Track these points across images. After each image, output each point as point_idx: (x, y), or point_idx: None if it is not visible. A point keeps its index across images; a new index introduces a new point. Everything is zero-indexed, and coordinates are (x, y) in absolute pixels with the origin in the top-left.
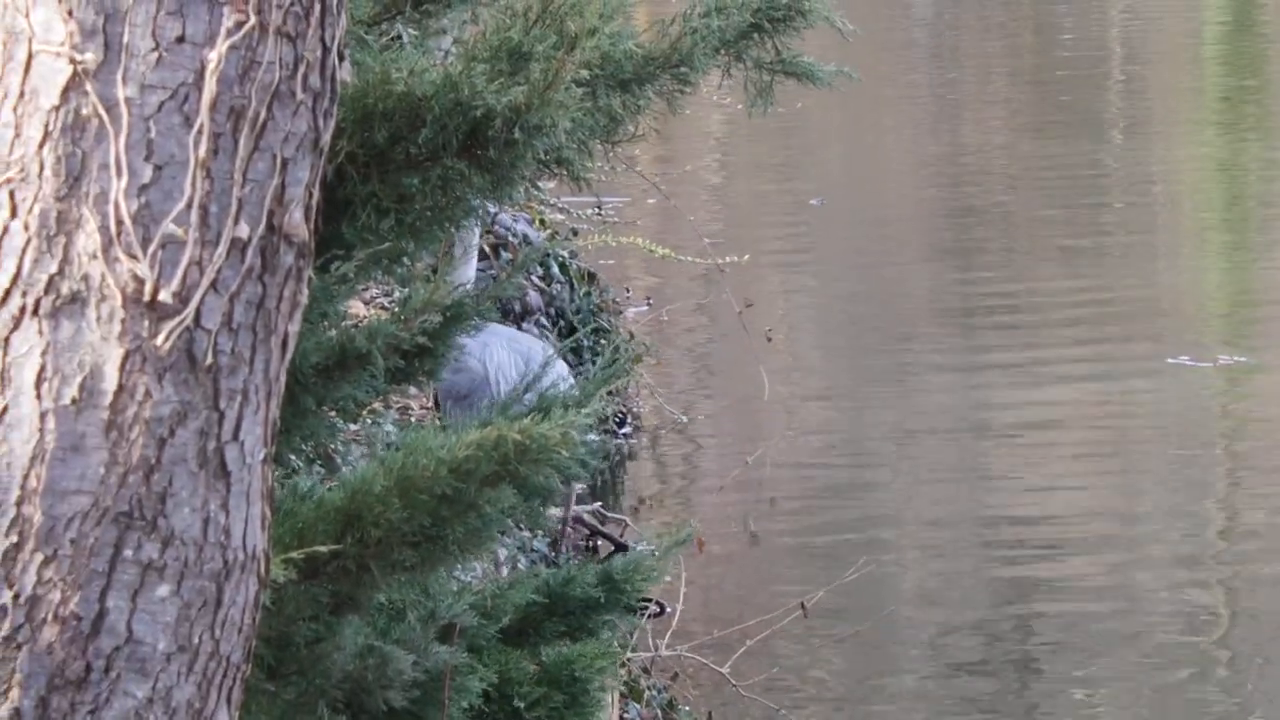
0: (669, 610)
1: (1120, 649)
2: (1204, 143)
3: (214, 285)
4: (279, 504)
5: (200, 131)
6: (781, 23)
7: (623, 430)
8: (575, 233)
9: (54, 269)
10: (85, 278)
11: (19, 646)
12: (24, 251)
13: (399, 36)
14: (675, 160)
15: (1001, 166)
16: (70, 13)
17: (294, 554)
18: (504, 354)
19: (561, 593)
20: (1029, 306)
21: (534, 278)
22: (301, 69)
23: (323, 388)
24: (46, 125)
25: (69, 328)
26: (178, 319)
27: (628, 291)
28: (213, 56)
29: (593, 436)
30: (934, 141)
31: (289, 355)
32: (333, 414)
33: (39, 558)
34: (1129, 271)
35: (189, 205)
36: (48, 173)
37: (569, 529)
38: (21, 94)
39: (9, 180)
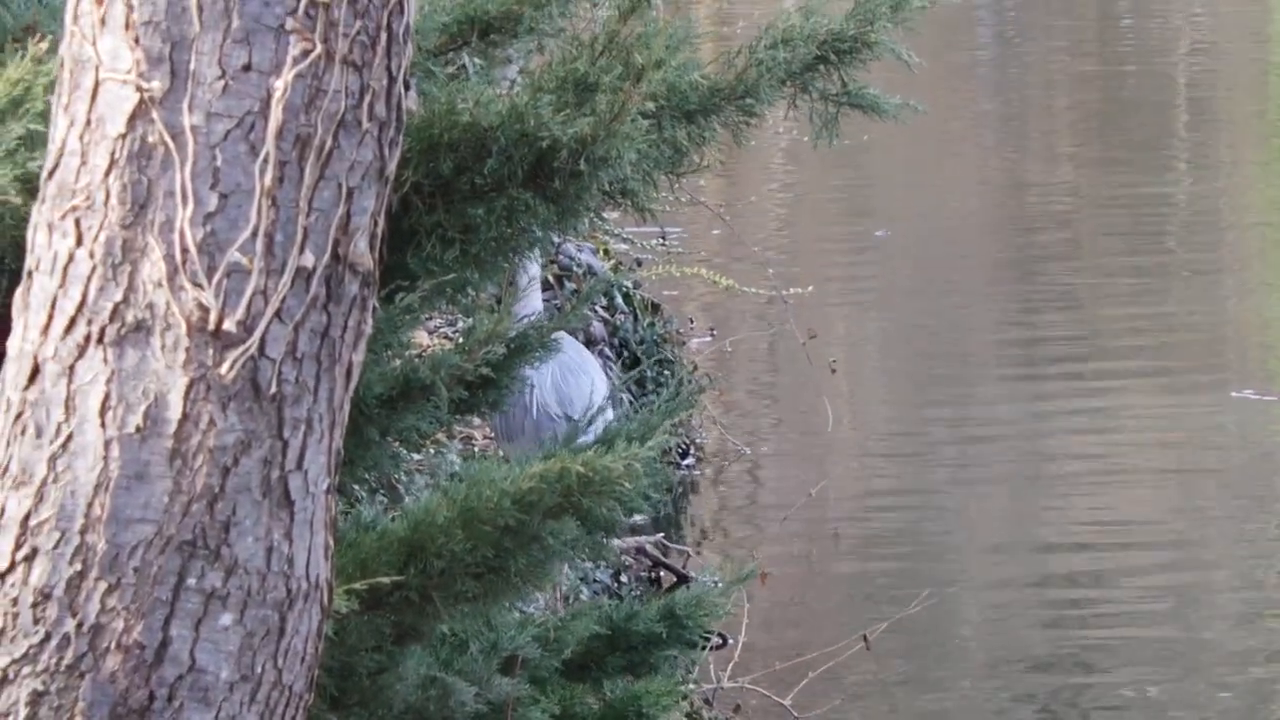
0: (731, 642)
1: (1184, 681)
2: (1271, 174)
3: (279, 314)
4: (342, 534)
5: (266, 160)
6: (847, 55)
7: (686, 461)
8: (639, 263)
9: (119, 297)
10: (150, 306)
11: (82, 675)
12: (89, 279)
13: (464, 67)
14: (740, 191)
15: (1066, 197)
16: (137, 40)
17: (357, 584)
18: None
19: (624, 627)
20: (1092, 338)
21: (598, 308)
22: (367, 98)
23: (386, 418)
24: (112, 153)
25: (134, 356)
26: (242, 348)
27: (691, 322)
28: (279, 85)
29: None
30: (999, 173)
31: (353, 385)
32: (396, 444)
33: (102, 586)
34: (1193, 304)
35: (254, 234)
36: (113, 200)
37: (633, 558)
38: (88, 122)
39: (75, 208)
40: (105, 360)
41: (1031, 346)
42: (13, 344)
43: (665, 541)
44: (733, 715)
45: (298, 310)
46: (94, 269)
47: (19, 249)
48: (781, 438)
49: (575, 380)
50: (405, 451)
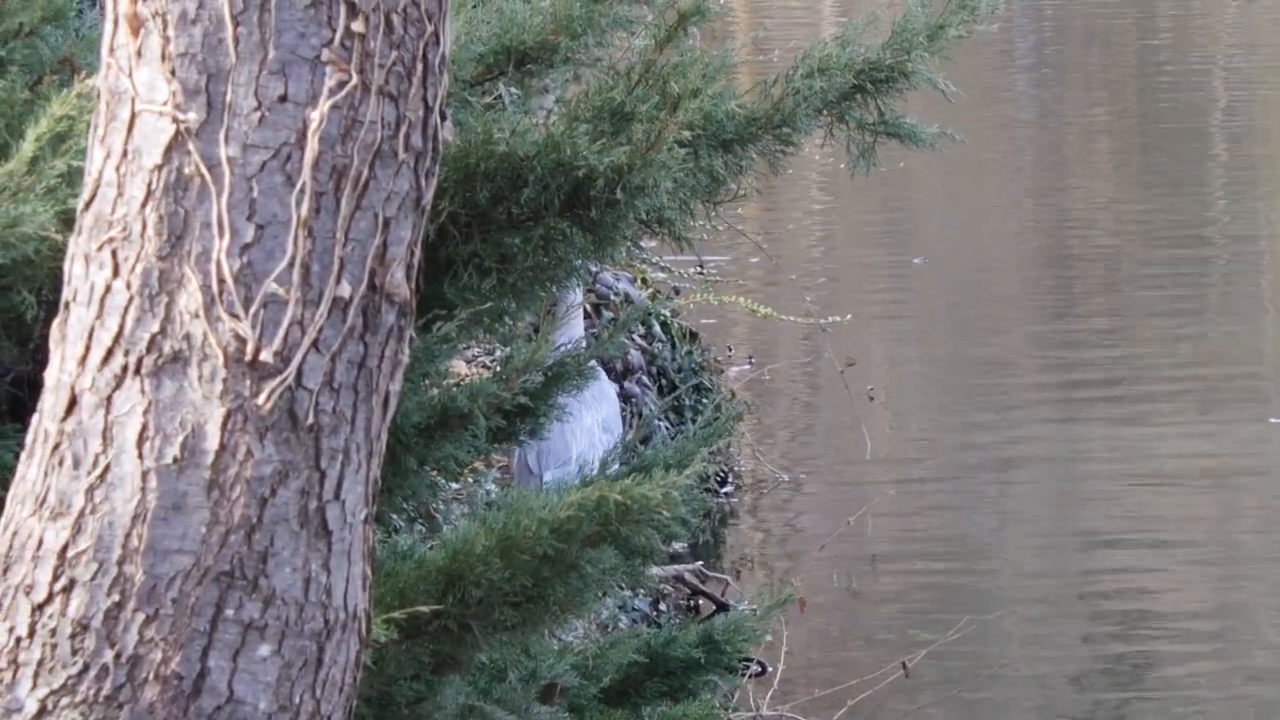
0: (770, 670)
1: (1230, 702)
2: None
3: (316, 345)
4: (380, 563)
5: (302, 191)
6: (884, 84)
7: (724, 489)
8: (677, 291)
9: (156, 328)
10: (187, 337)
11: (120, 706)
12: (126, 310)
13: (500, 97)
14: (778, 219)
15: (1104, 224)
16: (173, 72)
17: (395, 614)
18: None
19: (663, 653)
20: (1130, 364)
21: (636, 336)
22: (404, 128)
23: (424, 447)
24: (149, 184)
25: (171, 387)
26: (279, 378)
27: (729, 350)
28: (315, 116)
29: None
30: (1037, 200)
31: (390, 414)
32: (434, 473)
33: (140, 617)
34: (1232, 330)
35: (291, 264)
36: (150, 232)
37: (672, 587)
38: (124, 153)
39: (111, 239)
40: (142, 391)
41: (1070, 372)
42: (50, 375)
43: (704, 569)
44: None
45: (334, 340)
46: (131, 300)
47: (56, 281)
48: (820, 465)
49: (560, 429)
50: (443, 481)
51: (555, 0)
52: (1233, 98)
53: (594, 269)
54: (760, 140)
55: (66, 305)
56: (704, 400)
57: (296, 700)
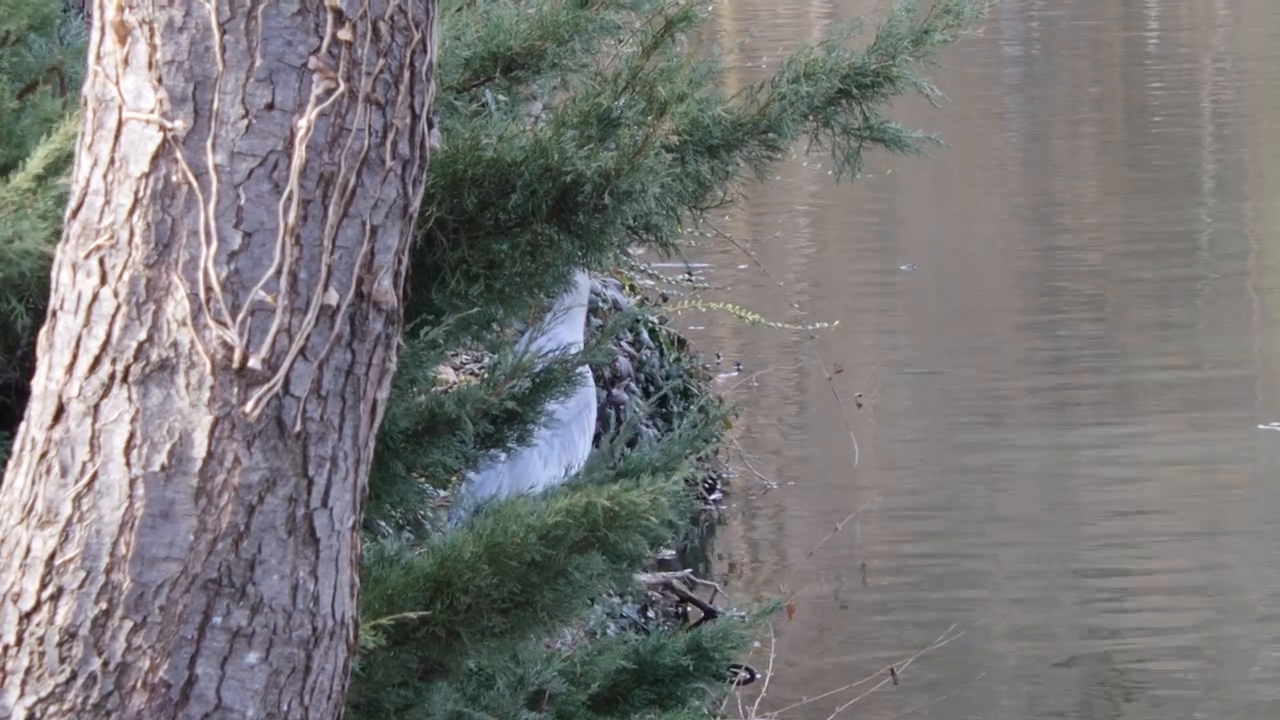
0: (758, 677)
1: (1218, 714)
2: None
3: (303, 352)
4: (368, 570)
5: (289, 198)
6: (869, 89)
7: (712, 496)
8: (665, 298)
9: (143, 336)
10: (174, 345)
11: (108, 714)
12: (113, 318)
13: (487, 104)
14: (766, 226)
15: (1092, 230)
16: (160, 80)
17: (383, 620)
18: None
19: (651, 660)
20: (1119, 369)
21: (624, 343)
22: (391, 136)
23: (412, 453)
24: (136, 192)
25: (158, 395)
26: (267, 386)
27: (718, 357)
28: (302, 124)
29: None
30: (1025, 206)
31: (378, 422)
32: (422, 480)
33: (128, 625)
34: (1220, 336)
35: (278, 272)
36: (137, 240)
37: (660, 593)
38: (112, 161)
39: (99, 247)
40: (130, 399)
41: (1059, 378)
42: (38, 383)
43: (692, 577)
44: None
45: (322, 348)
46: (118, 308)
47: (44, 289)
48: (808, 472)
49: (531, 456)
50: (431, 487)
51: (542, 6)
52: (1222, 98)
53: (581, 275)
54: (746, 145)
55: (54, 313)
56: (692, 407)
57: (284, 707)
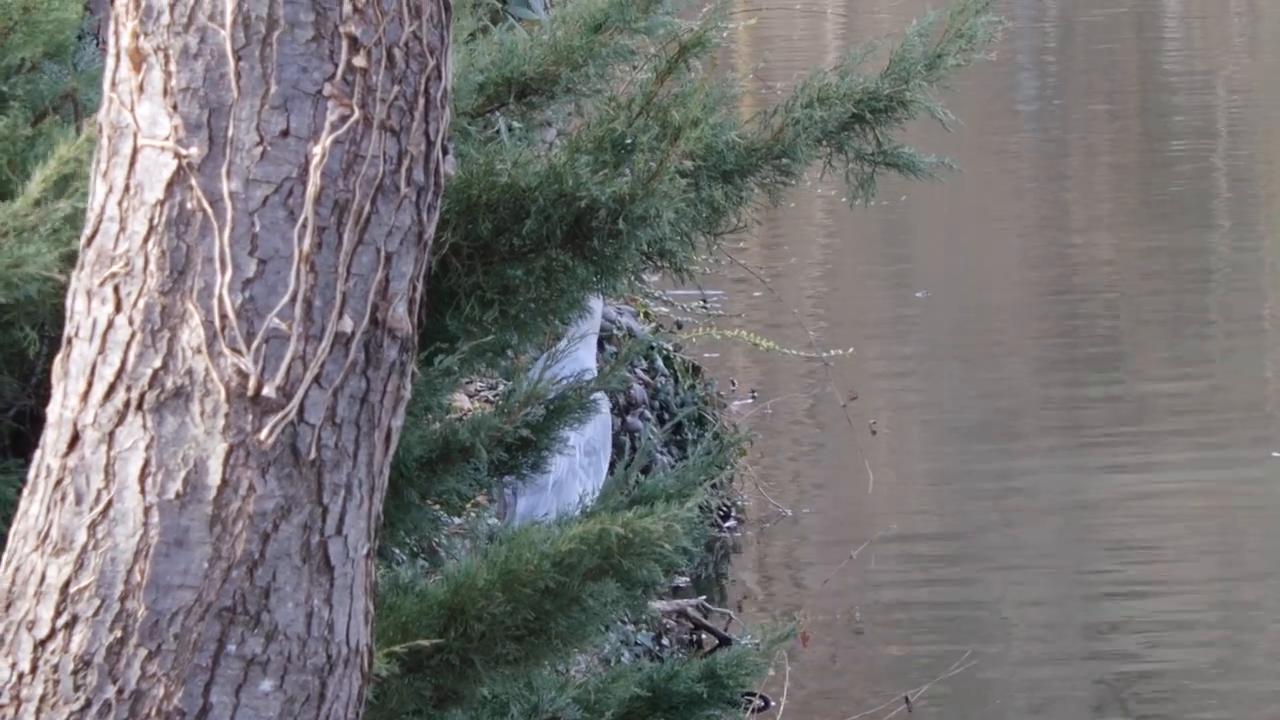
0: (773, 704)
1: None
2: None
3: (318, 380)
4: (381, 597)
5: (304, 226)
6: (883, 114)
7: (727, 523)
8: (680, 326)
9: (158, 363)
10: (189, 372)
11: None
12: (128, 346)
13: (500, 130)
14: (780, 253)
15: (1106, 256)
16: (175, 107)
17: (397, 648)
18: None
19: (665, 687)
20: (1133, 397)
21: (638, 371)
22: (405, 163)
23: (426, 481)
24: (151, 219)
25: (173, 422)
26: (281, 414)
27: (733, 384)
28: (317, 151)
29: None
30: (1039, 233)
31: (392, 449)
32: (436, 507)
33: (143, 653)
34: (1234, 365)
35: (293, 299)
36: (152, 267)
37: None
38: (126, 188)
39: (114, 274)
40: (145, 426)
41: (1073, 405)
42: (52, 410)
43: (706, 604)
44: None
45: (337, 376)
46: (133, 335)
47: (58, 316)
48: (823, 499)
49: None
50: (445, 515)
51: (556, 31)
52: (1236, 127)
53: (596, 302)
54: (760, 171)
55: (69, 341)
56: (706, 434)
57: None
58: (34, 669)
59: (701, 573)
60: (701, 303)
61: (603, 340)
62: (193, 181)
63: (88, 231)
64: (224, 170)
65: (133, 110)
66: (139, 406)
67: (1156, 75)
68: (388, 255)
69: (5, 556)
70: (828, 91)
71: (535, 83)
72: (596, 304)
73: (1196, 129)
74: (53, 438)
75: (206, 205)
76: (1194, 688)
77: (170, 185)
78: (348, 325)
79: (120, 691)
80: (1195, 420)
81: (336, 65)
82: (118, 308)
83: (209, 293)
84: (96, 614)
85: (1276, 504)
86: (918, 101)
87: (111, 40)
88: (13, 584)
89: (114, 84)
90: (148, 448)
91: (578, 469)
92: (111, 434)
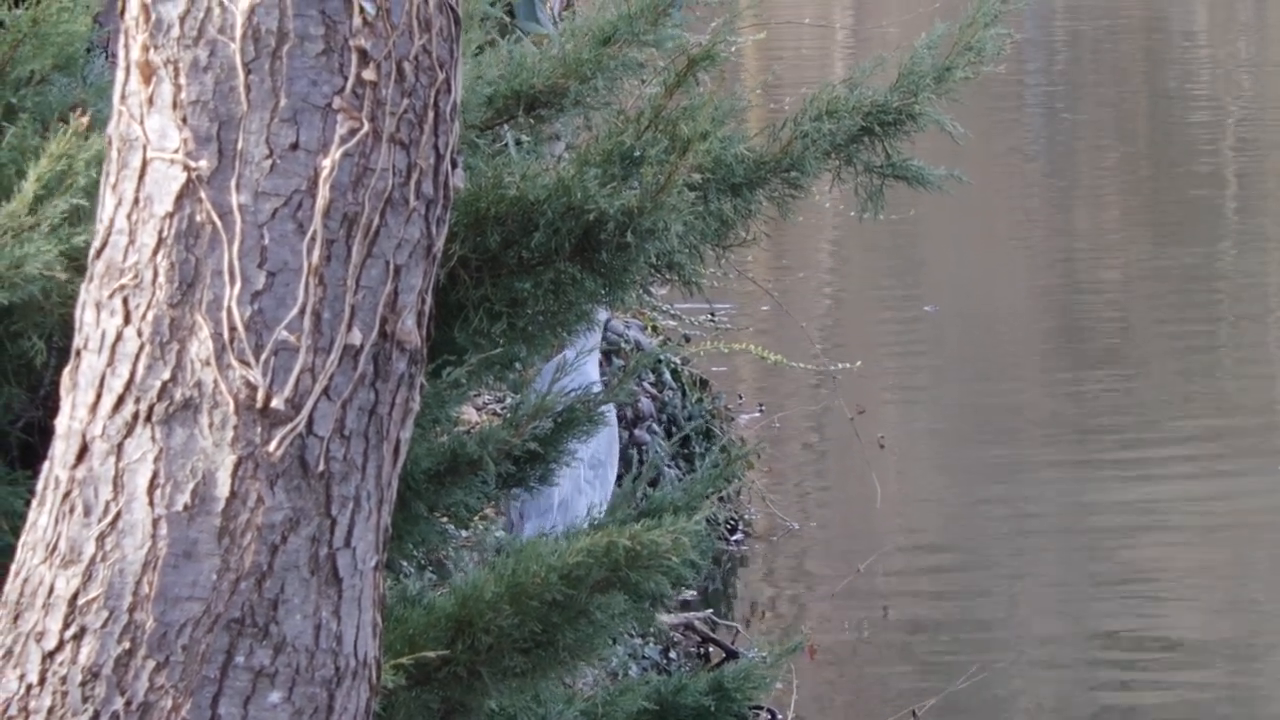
0: (780, 717)
1: None
2: None
3: (326, 392)
4: (389, 610)
5: (313, 238)
6: (892, 126)
7: (734, 537)
8: (687, 339)
9: (167, 375)
10: (198, 384)
11: None
12: (137, 358)
13: (508, 143)
14: (788, 267)
15: (1115, 271)
16: (185, 120)
17: (405, 660)
18: None
19: (673, 700)
20: (1141, 412)
21: (646, 384)
22: (415, 176)
23: (434, 494)
24: (160, 232)
25: (181, 434)
26: (290, 426)
27: (740, 398)
28: (326, 164)
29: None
30: (1047, 246)
31: (401, 462)
32: (444, 520)
33: (151, 664)
34: (1241, 379)
35: (302, 312)
36: (161, 279)
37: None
38: (136, 200)
39: (123, 286)
40: (153, 438)
41: (1081, 419)
42: (61, 422)
43: (714, 617)
44: None
45: (345, 388)
46: (142, 347)
47: (66, 327)
48: (830, 513)
49: None
50: (453, 527)
51: (565, 45)
52: (1244, 143)
53: (605, 315)
54: (769, 184)
55: (78, 352)
56: (714, 448)
57: None
58: (42, 680)
59: (709, 586)
60: (709, 316)
61: (610, 354)
62: (202, 194)
63: (97, 244)
64: (233, 183)
65: (142, 123)
66: (148, 418)
67: (1165, 88)
68: (396, 268)
69: (13, 568)
70: (836, 104)
71: (544, 96)
72: (600, 316)
73: (1205, 142)
74: (61, 449)
75: (216, 218)
76: (1202, 702)
77: (179, 198)
78: (356, 338)
79: (128, 703)
80: (1204, 434)
81: (346, 78)
82: (127, 320)
83: (218, 305)
84: (105, 625)
85: None
86: (927, 114)
87: (121, 53)
88: (21, 595)
89: (124, 97)
90: (156, 460)
91: (583, 484)
92: (120, 446)
